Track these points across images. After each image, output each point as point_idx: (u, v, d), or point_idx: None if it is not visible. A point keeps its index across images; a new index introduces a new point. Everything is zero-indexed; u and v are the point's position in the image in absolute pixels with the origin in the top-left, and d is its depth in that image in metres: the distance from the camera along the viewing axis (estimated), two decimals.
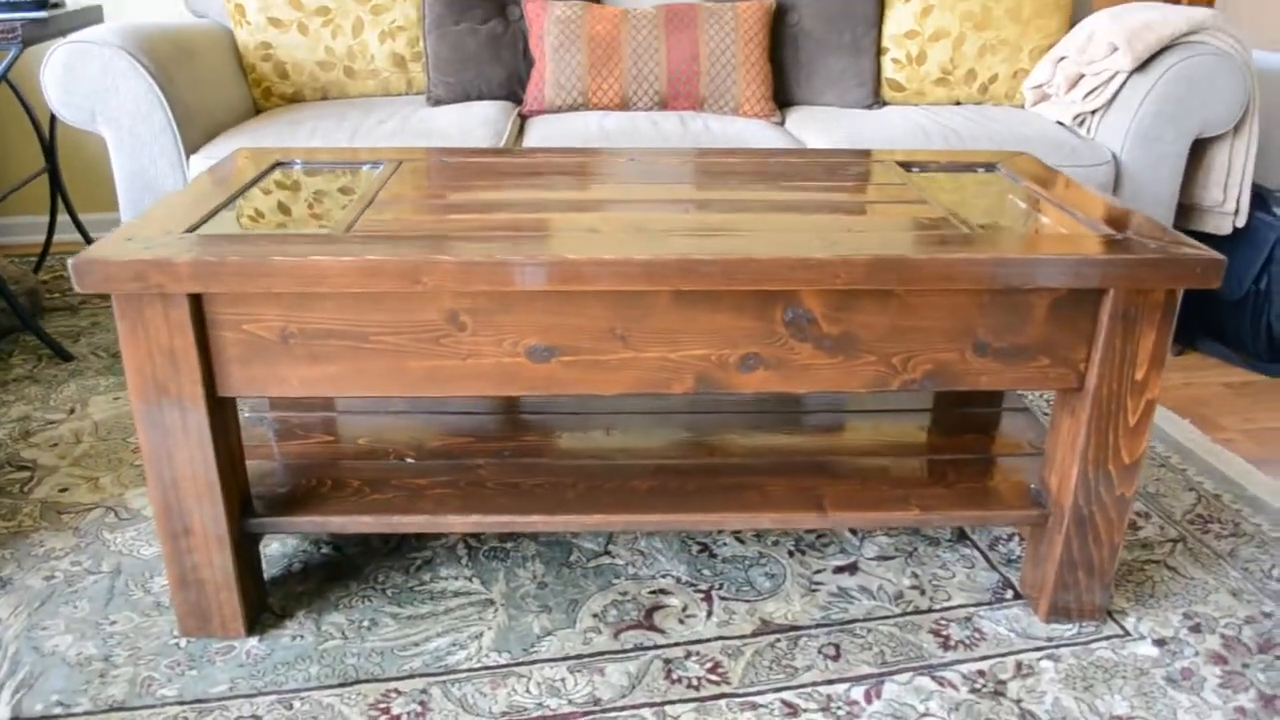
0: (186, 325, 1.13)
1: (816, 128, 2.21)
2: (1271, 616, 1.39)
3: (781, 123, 2.37)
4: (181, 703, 1.21)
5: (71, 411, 1.94)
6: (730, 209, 1.32)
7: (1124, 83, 2.10)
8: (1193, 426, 1.92)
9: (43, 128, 2.47)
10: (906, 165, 1.58)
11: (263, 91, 2.36)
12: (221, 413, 1.22)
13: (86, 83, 1.91)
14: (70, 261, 1.09)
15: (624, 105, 2.35)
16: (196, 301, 1.14)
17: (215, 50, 2.25)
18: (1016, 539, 1.56)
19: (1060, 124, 2.24)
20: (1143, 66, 2.08)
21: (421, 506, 1.32)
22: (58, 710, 1.20)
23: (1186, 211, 2.23)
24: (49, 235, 2.64)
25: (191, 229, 1.20)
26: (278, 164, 1.53)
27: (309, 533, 1.45)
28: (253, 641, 1.32)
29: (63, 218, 2.83)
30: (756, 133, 2.18)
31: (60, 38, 2.13)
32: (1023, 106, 2.41)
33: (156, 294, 1.12)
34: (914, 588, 1.44)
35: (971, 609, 1.40)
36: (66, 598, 1.40)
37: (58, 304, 2.49)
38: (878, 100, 2.43)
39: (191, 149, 1.99)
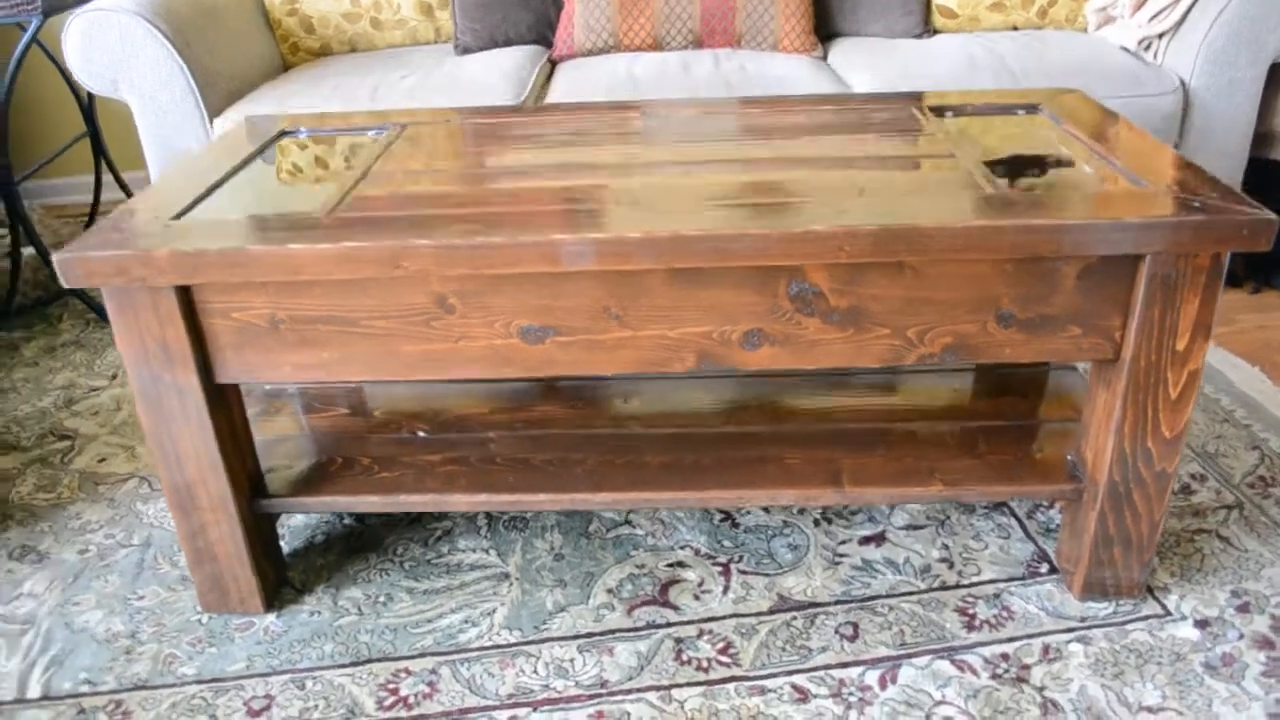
0: (176, 316, 1.12)
1: (860, 62, 2.08)
2: None
3: (824, 56, 2.25)
4: (200, 681, 1.24)
5: (114, 378, 1.98)
6: (728, 170, 1.24)
7: (1194, 2, 1.93)
8: (1263, 375, 1.79)
9: (81, 93, 2.48)
10: (941, 110, 1.48)
11: (290, 47, 2.32)
12: (222, 397, 1.22)
13: (106, 52, 1.89)
14: (54, 258, 1.08)
15: (656, 45, 2.25)
16: (185, 291, 1.13)
17: (240, 9, 2.21)
18: (1057, 507, 1.48)
19: (1125, 49, 2.07)
20: None
21: (429, 485, 1.31)
22: (85, 688, 1.24)
23: (1265, 140, 2.05)
24: (95, 197, 2.67)
25: (181, 214, 1.18)
26: (283, 133, 1.50)
27: (318, 512, 1.45)
28: (271, 618, 1.33)
29: (108, 177, 2.86)
30: (795, 71, 2.07)
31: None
32: (1085, 31, 2.23)
33: (142, 287, 1.10)
34: (943, 560, 1.38)
35: (1002, 584, 1.33)
36: (98, 572, 1.44)
37: None
38: (928, 29, 2.29)
39: (215, 113, 1.97)
